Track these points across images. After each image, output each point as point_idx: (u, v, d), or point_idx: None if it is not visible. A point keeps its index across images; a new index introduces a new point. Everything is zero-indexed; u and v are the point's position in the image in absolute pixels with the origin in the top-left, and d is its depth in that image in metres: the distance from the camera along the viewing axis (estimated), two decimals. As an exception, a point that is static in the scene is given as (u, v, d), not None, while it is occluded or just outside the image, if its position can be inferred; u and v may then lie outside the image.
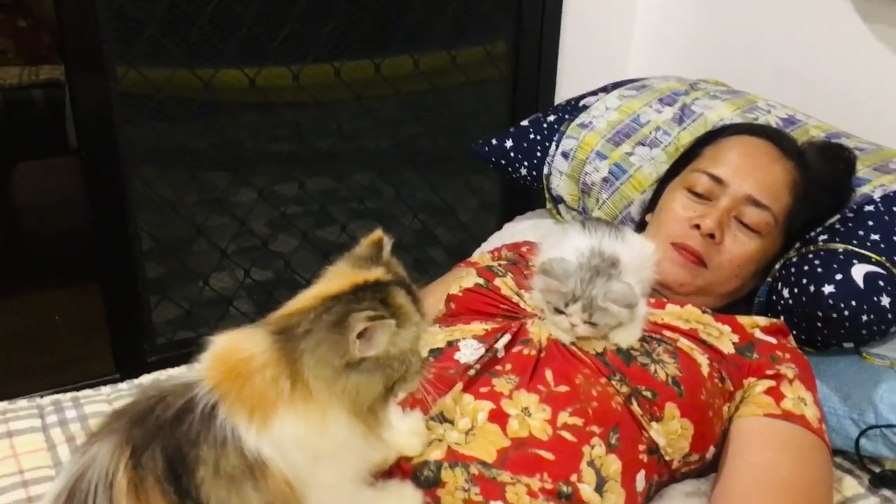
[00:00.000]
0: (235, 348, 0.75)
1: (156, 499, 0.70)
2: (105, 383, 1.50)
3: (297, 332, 0.74)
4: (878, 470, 1.28)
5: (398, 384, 0.79)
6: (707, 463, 1.17)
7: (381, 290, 0.77)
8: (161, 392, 0.75)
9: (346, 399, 0.74)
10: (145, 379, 1.50)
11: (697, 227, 1.29)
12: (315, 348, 0.73)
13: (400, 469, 0.97)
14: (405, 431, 1.00)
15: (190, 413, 0.72)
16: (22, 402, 1.38)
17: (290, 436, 0.72)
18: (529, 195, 2.18)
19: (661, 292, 1.31)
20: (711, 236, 1.28)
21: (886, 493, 1.24)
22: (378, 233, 0.84)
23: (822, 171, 1.37)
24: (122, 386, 1.45)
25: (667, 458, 1.11)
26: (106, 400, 1.38)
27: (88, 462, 0.72)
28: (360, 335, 0.72)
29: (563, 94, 2.25)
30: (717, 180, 1.32)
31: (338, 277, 0.79)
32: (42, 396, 1.39)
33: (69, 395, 1.39)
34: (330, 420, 0.73)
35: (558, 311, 1.14)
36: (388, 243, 0.84)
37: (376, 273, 0.80)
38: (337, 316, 0.73)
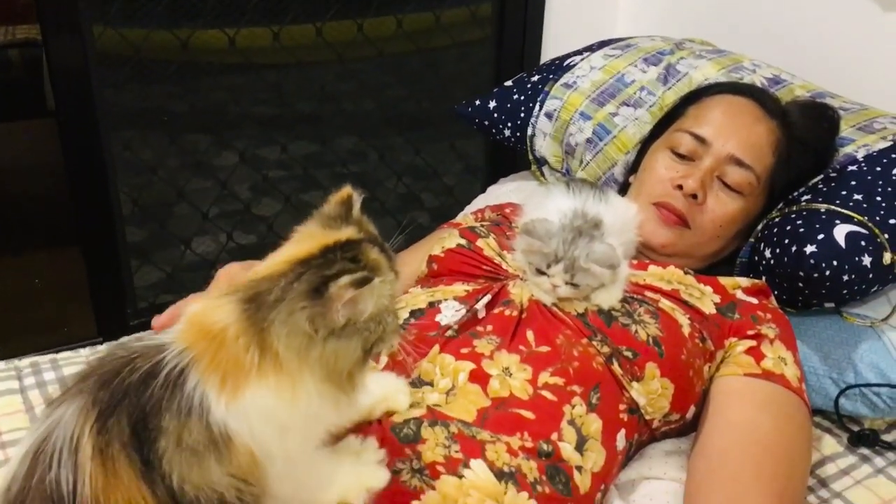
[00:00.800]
0: (209, 317, 0.73)
1: (122, 466, 0.68)
2: (89, 346, 1.49)
3: (268, 301, 0.71)
4: (856, 429, 1.29)
5: (376, 345, 0.77)
6: (687, 422, 1.18)
7: (351, 249, 0.75)
8: (130, 353, 0.73)
9: (322, 367, 0.72)
10: (125, 339, 1.49)
11: (680, 187, 1.29)
12: (288, 318, 0.70)
13: (380, 426, 0.96)
14: (391, 388, 0.99)
15: (155, 378, 0.70)
16: (0, 364, 1.37)
17: (259, 408, 0.70)
18: (515, 158, 2.17)
19: (644, 253, 1.31)
20: (694, 196, 1.28)
21: (864, 451, 1.26)
22: (347, 190, 0.81)
23: (806, 130, 1.36)
24: (102, 348, 1.45)
25: (647, 417, 1.11)
26: (85, 362, 1.37)
27: (54, 424, 0.70)
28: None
29: (548, 54, 2.22)
30: (700, 140, 1.31)
31: (307, 239, 0.76)
32: (20, 358, 1.38)
33: (47, 357, 1.38)
34: (300, 391, 0.71)
35: (540, 272, 1.14)
36: (357, 200, 0.80)
37: (346, 232, 0.77)
38: (309, 284, 0.70)
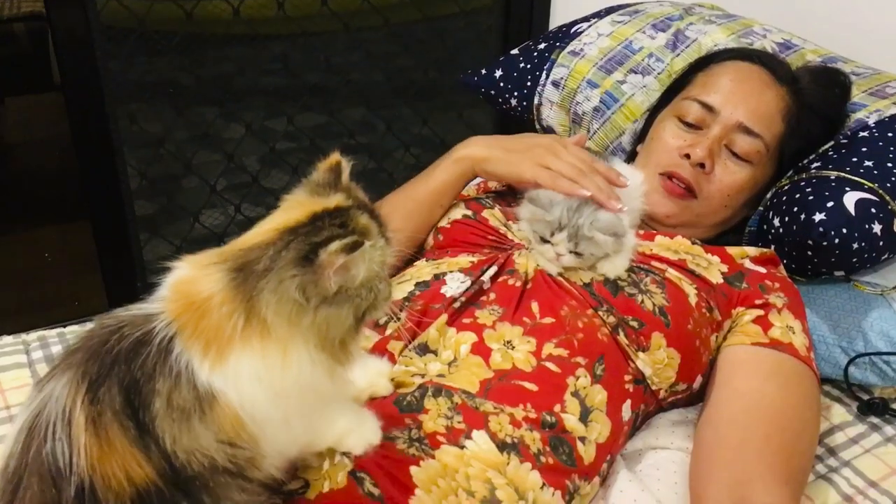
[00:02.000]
0: (195, 285, 0.72)
1: (115, 434, 0.68)
2: (94, 321, 1.50)
3: (256, 270, 0.71)
4: (866, 397, 1.28)
5: (368, 312, 0.76)
6: (694, 392, 1.17)
7: (340, 216, 0.74)
8: (118, 322, 0.73)
9: (315, 334, 0.72)
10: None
11: (687, 156, 1.27)
12: (277, 287, 0.70)
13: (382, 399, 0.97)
14: (373, 373, 0.99)
15: (147, 345, 0.70)
16: (7, 339, 1.38)
17: (247, 372, 0.70)
18: (523, 127, 2.15)
19: (649, 224, 1.30)
20: (702, 166, 1.26)
21: (874, 420, 1.25)
22: (336, 156, 0.80)
23: (817, 96, 1.33)
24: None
25: (653, 387, 1.11)
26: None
27: (45, 399, 0.70)
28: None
29: (556, 22, 2.19)
30: (708, 108, 1.29)
31: (295, 207, 0.75)
32: (28, 333, 1.39)
33: (55, 330, 1.39)
34: (292, 357, 0.71)
35: (544, 241, 1.13)
36: (346, 167, 0.80)
37: (335, 199, 0.76)
38: (297, 252, 0.70)
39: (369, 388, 0.97)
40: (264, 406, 0.72)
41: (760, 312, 1.16)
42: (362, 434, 0.88)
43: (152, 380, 0.69)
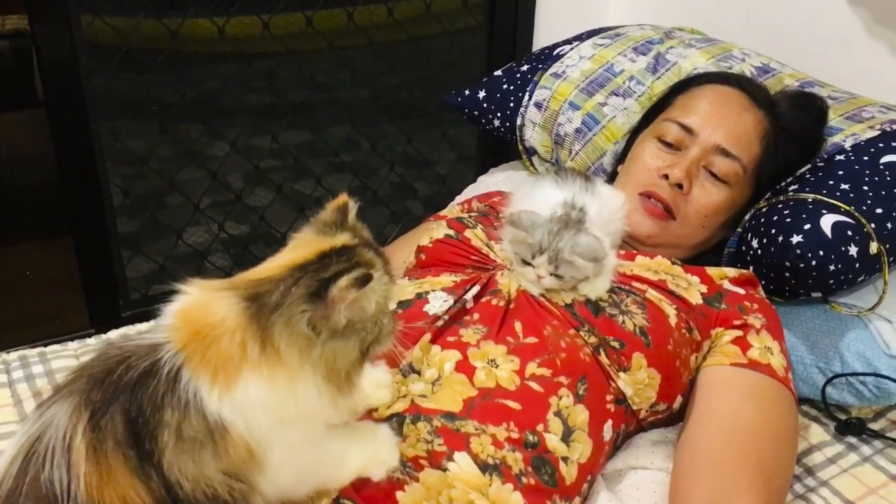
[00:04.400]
0: (204, 310, 0.73)
1: (116, 463, 0.69)
2: (80, 339, 1.49)
3: (268, 303, 0.72)
4: (843, 417, 1.30)
5: (372, 346, 0.78)
6: (674, 412, 1.18)
7: (346, 253, 0.76)
8: (123, 353, 0.73)
9: (322, 366, 0.73)
10: (114, 334, 1.49)
11: (666, 176, 1.29)
12: (289, 321, 0.71)
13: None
14: (373, 383, 0.99)
15: (154, 376, 0.70)
16: (-13, 358, 1.37)
17: (254, 399, 0.71)
18: (507, 147, 2.16)
19: (630, 244, 1.31)
20: (679, 186, 1.28)
21: (851, 439, 1.26)
22: (343, 197, 0.83)
23: (794, 121, 1.36)
24: (91, 341, 1.44)
25: (634, 407, 1.12)
26: (73, 355, 1.38)
27: (46, 424, 0.71)
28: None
29: (540, 43, 2.22)
30: (687, 129, 1.31)
31: (303, 245, 0.78)
32: (9, 352, 1.38)
33: (36, 350, 1.38)
34: (299, 386, 0.73)
35: (525, 263, 1.14)
36: (353, 208, 0.82)
37: (342, 239, 0.78)
38: (307, 288, 0.72)
39: (366, 398, 0.98)
40: (270, 433, 0.72)
41: (739, 333, 1.17)
42: (380, 461, 0.88)
43: (160, 410, 0.70)
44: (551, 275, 1.12)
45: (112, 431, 0.69)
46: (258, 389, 0.71)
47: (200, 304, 0.74)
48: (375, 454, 0.88)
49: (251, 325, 0.71)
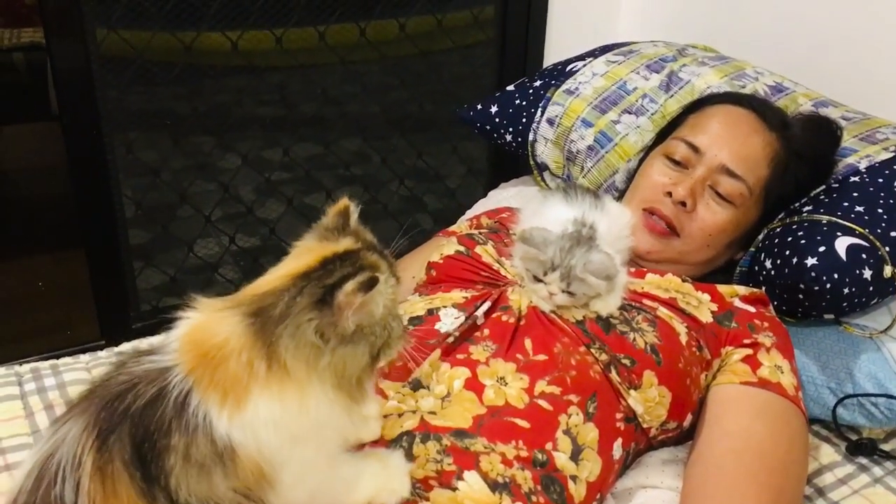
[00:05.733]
0: (209, 331, 0.73)
1: (122, 483, 0.69)
2: (91, 350, 1.50)
3: (273, 316, 0.71)
4: (854, 438, 1.29)
5: (382, 351, 0.77)
6: (684, 431, 1.18)
7: (350, 258, 0.75)
8: (132, 378, 0.73)
9: (331, 374, 0.73)
10: (126, 347, 1.49)
11: (670, 194, 1.29)
12: (296, 332, 0.71)
13: (373, 444, 0.97)
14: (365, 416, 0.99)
15: (162, 401, 0.70)
16: (0, 370, 1.37)
17: (264, 418, 0.70)
18: (517, 161, 2.16)
19: (636, 261, 1.31)
20: (683, 204, 1.28)
21: (863, 460, 1.26)
22: (344, 201, 0.82)
23: (807, 144, 1.35)
24: (102, 354, 1.45)
25: (644, 425, 1.11)
26: (85, 368, 1.38)
27: (58, 442, 0.71)
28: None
29: (551, 58, 2.22)
30: (694, 148, 1.32)
31: (305, 253, 0.77)
32: (21, 364, 1.38)
33: (48, 362, 1.39)
34: (310, 399, 0.72)
35: (537, 280, 1.14)
36: (354, 211, 0.82)
37: (344, 244, 0.78)
38: (312, 296, 0.71)
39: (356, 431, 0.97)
40: (283, 451, 0.72)
41: (749, 352, 1.17)
42: (391, 489, 0.88)
43: (168, 435, 0.70)
44: (563, 291, 1.12)
45: (119, 452, 0.69)
46: (269, 408, 0.71)
47: (205, 326, 0.74)
48: (386, 483, 0.88)
49: (256, 342, 0.71)
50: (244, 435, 0.70)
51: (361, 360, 0.75)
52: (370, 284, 0.71)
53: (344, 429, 0.78)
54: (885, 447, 1.28)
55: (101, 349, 1.50)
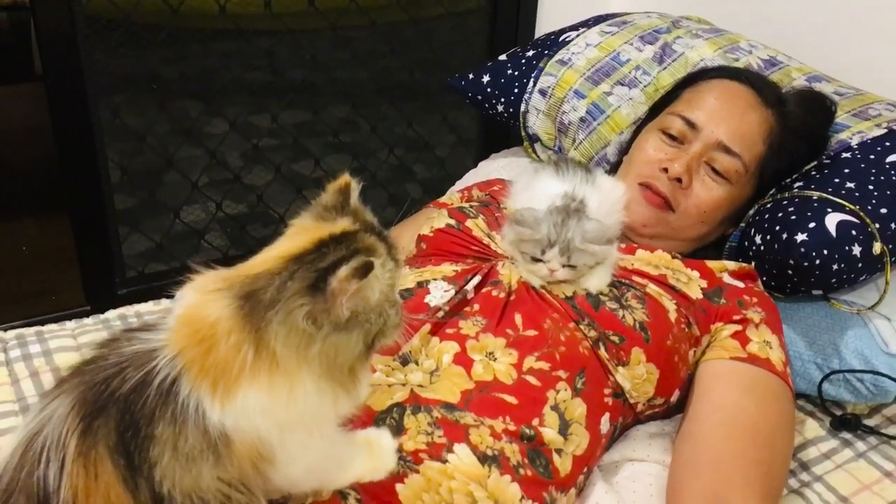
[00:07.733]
0: (200, 312, 0.70)
1: (104, 469, 0.67)
2: (76, 316, 1.49)
3: (263, 300, 0.69)
4: (839, 413, 1.30)
5: (377, 338, 0.74)
6: (672, 406, 1.19)
7: (346, 240, 0.72)
8: (120, 361, 0.70)
9: (321, 362, 0.70)
10: (112, 314, 1.48)
11: (666, 170, 1.28)
12: (287, 318, 0.68)
13: (364, 415, 0.96)
14: (380, 448, 0.95)
15: (148, 386, 0.68)
16: (-16, 337, 1.37)
17: (253, 406, 0.68)
18: (508, 132, 2.14)
19: (628, 236, 1.31)
20: (679, 180, 1.28)
21: (846, 435, 1.27)
22: (345, 178, 0.78)
23: (801, 121, 1.35)
24: (88, 321, 1.44)
25: (631, 401, 1.12)
26: (71, 335, 1.37)
27: (45, 420, 0.69)
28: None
29: (543, 27, 2.20)
30: (691, 124, 1.31)
31: (301, 233, 0.73)
32: (6, 330, 1.37)
33: (33, 329, 1.38)
34: (297, 389, 0.69)
35: (535, 260, 1.13)
36: (355, 189, 0.77)
37: (341, 224, 0.74)
38: (304, 281, 0.68)
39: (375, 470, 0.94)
40: (272, 436, 0.70)
41: (738, 328, 1.17)
42: (380, 467, 0.88)
43: (151, 424, 0.67)
44: (564, 266, 1.12)
45: (104, 437, 0.67)
46: (257, 397, 0.68)
47: (197, 307, 0.71)
48: (376, 462, 0.88)
49: (245, 326, 0.68)
50: (238, 423, 0.68)
51: (355, 349, 0.72)
52: (365, 270, 0.67)
53: (331, 415, 0.76)
54: (869, 422, 1.30)
55: (87, 315, 1.49)
